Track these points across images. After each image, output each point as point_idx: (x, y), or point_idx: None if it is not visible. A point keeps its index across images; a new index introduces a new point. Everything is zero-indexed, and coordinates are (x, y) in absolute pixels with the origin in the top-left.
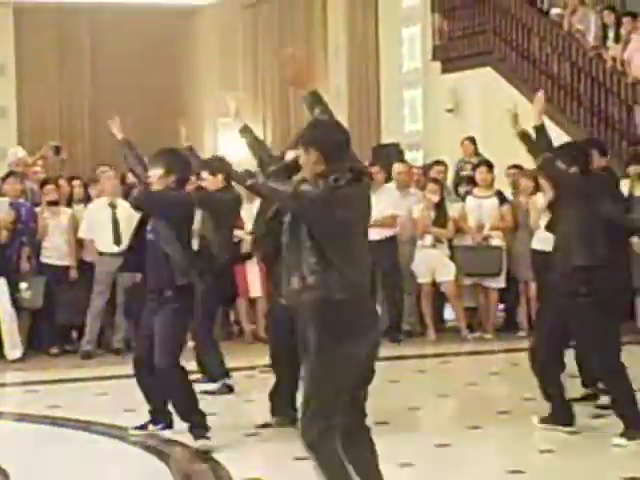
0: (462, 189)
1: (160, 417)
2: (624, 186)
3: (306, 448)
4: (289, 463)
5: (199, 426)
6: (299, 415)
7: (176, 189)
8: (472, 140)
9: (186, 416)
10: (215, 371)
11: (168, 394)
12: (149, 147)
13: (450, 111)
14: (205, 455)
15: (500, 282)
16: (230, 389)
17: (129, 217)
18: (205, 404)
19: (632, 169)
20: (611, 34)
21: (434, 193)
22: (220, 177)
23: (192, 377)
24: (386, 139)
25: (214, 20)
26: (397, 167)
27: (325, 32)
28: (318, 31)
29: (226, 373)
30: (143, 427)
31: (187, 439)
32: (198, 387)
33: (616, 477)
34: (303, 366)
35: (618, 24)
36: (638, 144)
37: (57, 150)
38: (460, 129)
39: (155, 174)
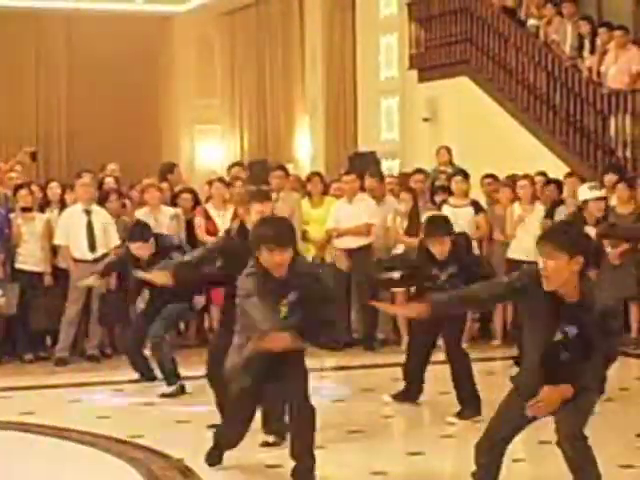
0: (438, 198)
1: None
2: None
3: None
4: (265, 471)
5: None
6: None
7: None
8: (447, 149)
9: None
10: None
11: None
12: (125, 152)
13: (426, 120)
14: (180, 463)
15: None
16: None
17: (104, 224)
18: (178, 412)
19: (607, 179)
20: (587, 44)
21: (406, 202)
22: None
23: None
24: (363, 147)
25: (191, 27)
26: (368, 183)
27: (302, 40)
28: (295, 39)
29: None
30: None
31: (164, 447)
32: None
33: None
34: None
35: (594, 34)
36: (613, 154)
37: (33, 156)
38: (436, 138)
39: None
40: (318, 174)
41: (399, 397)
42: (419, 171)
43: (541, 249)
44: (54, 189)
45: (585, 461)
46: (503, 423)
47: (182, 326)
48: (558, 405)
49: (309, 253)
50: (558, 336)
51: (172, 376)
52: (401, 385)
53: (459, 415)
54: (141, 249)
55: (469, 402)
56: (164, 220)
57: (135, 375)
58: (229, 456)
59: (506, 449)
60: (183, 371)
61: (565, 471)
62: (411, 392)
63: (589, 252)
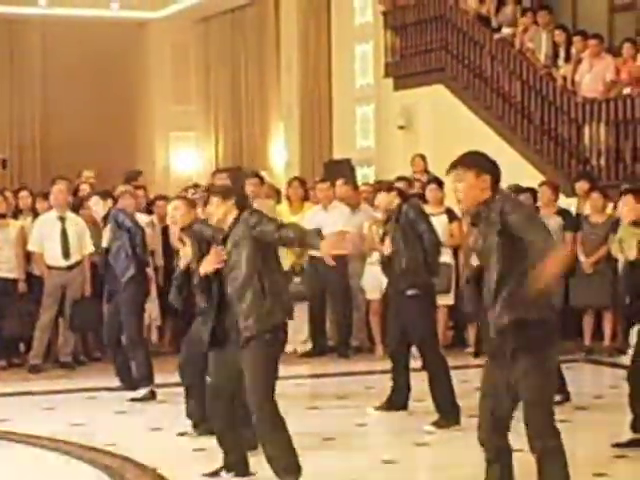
0: None
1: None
2: (571, 205)
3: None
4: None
5: None
6: None
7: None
8: (422, 157)
9: None
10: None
11: None
12: (100, 159)
13: (402, 128)
14: (154, 471)
15: (449, 299)
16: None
17: (78, 231)
18: (151, 420)
19: (578, 186)
20: (562, 53)
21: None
22: None
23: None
24: (338, 155)
25: (166, 33)
26: (344, 190)
27: (277, 47)
28: (271, 46)
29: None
30: None
31: (138, 455)
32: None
33: None
34: None
35: (569, 43)
36: (587, 163)
37: (3, 164)
38: (411, 146)
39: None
40: (298, 179)
41: (384, 406)
42: (400, 179)
43: (451, 177)
44: (24, 198)
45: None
46: (491, 399)
47: (156, 333)
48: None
49: (287, 260)
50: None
51: (145, 378)
52: (375, 393)
53: (437, 424)
54: None
55: (447, 410)
56: None
57: (109, 383)
58: (209, 464)
59: (507, 429)
60: (157, 379)
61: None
62: (396, 400)
63: (495, 169)
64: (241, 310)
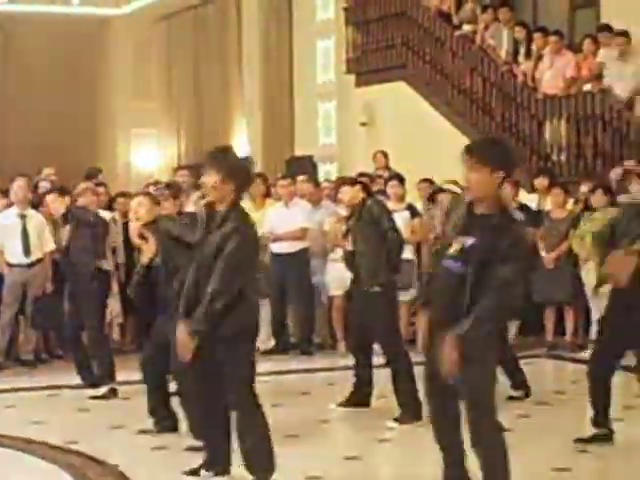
0: None
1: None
2: (532, 200)
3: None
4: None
5: None
6: None
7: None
8: (384, 153)
9: None
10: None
11: None
12: (61, 156)
13: (364, 124)
14: (115, 469)
15: (410, 295)
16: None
17: (39, 227)
18: (113, 417)
19: (538, 182)
20: (522, 49)
21: (344, 207)
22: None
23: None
24: (300, 152)
25: (128, 31)
26: (305, 187)
27: (239, 44)
28: (232, 43)
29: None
30: None
31: (99, 453)
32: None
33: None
34: None
35: (529, 40)
36: (548, 159)
37: None
38: (373, 142)
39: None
40: (261, 175)
41: (347, 402)
42: (362, 175)
43: (465, 161)
44: None
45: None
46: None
47: (118, 331)
48: None
49: None
50: (454, 247)
51: (106, 376)
52: (338, 389)
53: (399, 420)
54: None
55: (409, 406)
56: None
57: (71, 380)
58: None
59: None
60: (119, 376)
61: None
62: (358, 396)
63: (510, 167)
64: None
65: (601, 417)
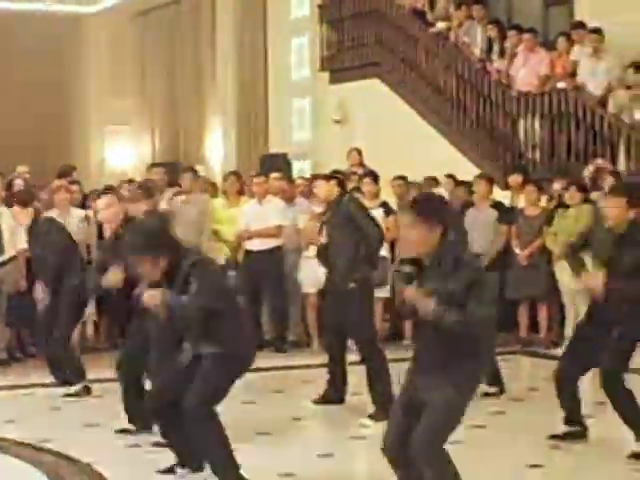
0: None
1: None
2: (506, 197)
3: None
4: (169, 474)
5: None
6: None
7: None
8: (358, 151)
9: None
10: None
11: None
12: (35, 154)
13: (338, 122)
14: (88, 468)
15: (385, 292)
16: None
17: (12, 225)
18: (86, 416)
19: (512, 179)
20: (496, 47)
21: (319, 204)
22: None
23: None
24: (274, 149)
25: (102, 27)
26: (274, 185)
27: (213, 40)
28: (207, 40)
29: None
30: None
31: (72, 451)
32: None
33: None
34: None
35: (503, 37)
36: (522, 156)
37: None
38: (347, 140)
39: None
40: (235, 173)
41: (321, 400)
42: (337, 173)
43: (403, 218)
44: None
45: None
46: None
47: (92, 328)
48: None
49: (222, 253)
50: None
51: (77, 376)
52: (312, 387)
53: (373, 417)
54: None
55: (383, 403)
56: (73, 222)
57: (44, 379)
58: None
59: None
60: (92, 374)
61: None
62: (333, 393)
63: (447, 221)
64: None
65: (573, 415)
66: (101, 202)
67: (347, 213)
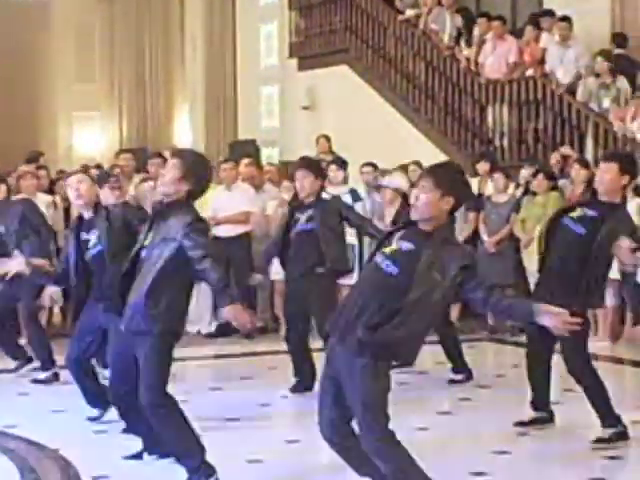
0: None
1: None
2: (473, 185)
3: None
4: (137, 461)
5: None
6: None
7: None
8: (327, 138)
9: None
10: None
11: None
12: (1, 139)
13: (306, 108)
14: (56, 454)
15: (351, 279)
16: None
17: None
18: (53, 402)
19: (480, 167)
20: (465, 34)
21: (288, 190)
22: None
23: None
24: (243, 135)
25: (70, 12)
26: (247, 170)
27: (182, 26)
28: (175, 26)
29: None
30: None
31: (39, 437)
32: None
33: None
34: None
35: (472, 24)
36: (490, 144)
37: None
38: (316, 126)
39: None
40: None
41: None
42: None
43: (419, 181)
44: None
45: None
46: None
47: (60, 315)
48: None
49: None
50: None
51: (46, 362)
52: (279, 373)
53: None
54: None
55: None
56: (40, 208)
57: (10, 364)
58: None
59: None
60: (61, 360)
61: None
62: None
63: (462, 196)
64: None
65: (540, 400)
66: (74, 178)
67: (336, 208)
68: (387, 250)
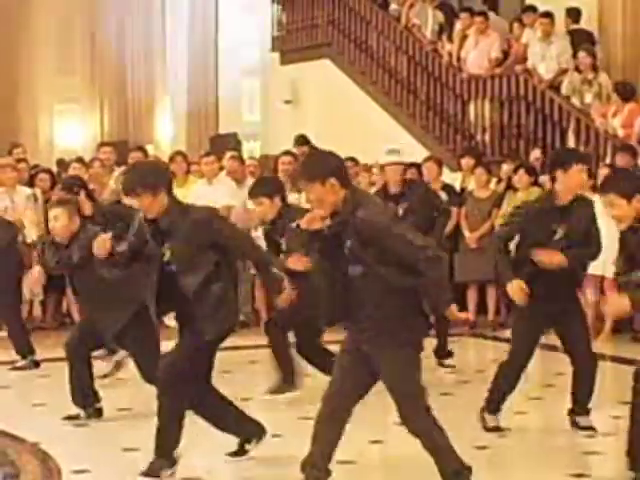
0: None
1: None
2: (456, 180)
3: None
4: (118, 454)
5: None
6: None
7: None
8: (305, 139)
9: None
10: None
11: None
12: None
13: (288, 102)
14: (35, 447)
15: None
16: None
17: None
18: (33, 395)
19: (464, 162)
20: (447, 29)
21: None
22: None
23: None
24: (224, 129)
25: (51, 4)
26: (228, 165)
27: (164, 21)
28: (157, 19)
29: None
30: None
31: (19, 431)
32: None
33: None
34: None
35: (454, 19)
36: (472, 139)
37: None
38: (298, 121)
39: None
40: (181, 153)
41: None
42: (287, 153)
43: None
44: None
45: None
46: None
47: (40, 308)
48: None
49: None
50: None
51: (25, 349)
52: (260, 369)
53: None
54: None
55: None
56: (20, 200)
57: None
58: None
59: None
60: (41, 353)
61: None
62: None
63: (338, 172)
64: None
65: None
66: (51, 213)
67: None
68: None
